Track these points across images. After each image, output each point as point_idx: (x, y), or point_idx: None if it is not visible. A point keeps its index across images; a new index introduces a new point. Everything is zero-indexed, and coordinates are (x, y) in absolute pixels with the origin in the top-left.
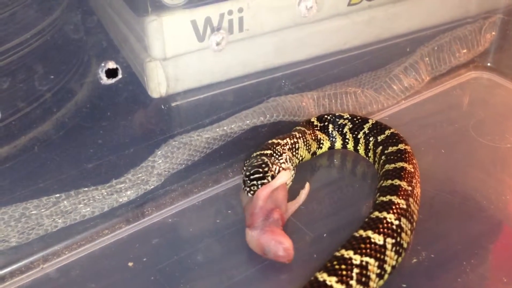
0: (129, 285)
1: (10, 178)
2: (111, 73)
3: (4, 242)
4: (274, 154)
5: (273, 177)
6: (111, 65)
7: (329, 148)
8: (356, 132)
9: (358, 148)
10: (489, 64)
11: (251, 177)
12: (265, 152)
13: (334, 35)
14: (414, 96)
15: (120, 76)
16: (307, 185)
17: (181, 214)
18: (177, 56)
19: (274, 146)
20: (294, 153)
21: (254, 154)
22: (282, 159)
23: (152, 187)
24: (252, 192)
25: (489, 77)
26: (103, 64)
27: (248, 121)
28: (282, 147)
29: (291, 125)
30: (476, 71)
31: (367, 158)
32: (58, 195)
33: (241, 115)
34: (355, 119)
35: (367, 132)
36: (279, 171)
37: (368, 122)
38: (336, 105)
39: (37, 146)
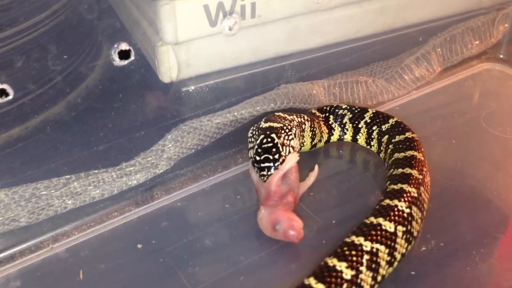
0: (138, 266)
1: (21, 159)
2: (124, 55)
3: (14, 222)
4: (284, 128)
5: (283, 161)
6: (124, 46)
7: (326, 142)
8: (356, 122)
9: (358, 137)
10: (501, 56)
11: (262, 165)
12: (275, 125)
13: (346, 23)
14: (425, 87)
15: (132, 57)
16: (316, 167)
17: (190, 198)
18: (189, 41)
19: (283, 119)
20: (300, 133)
21: (263, 126)
22: (291, 134)
23: (162, 171)
24: (263, 180)
25: (501, 69)
26: (116, 46)
27: (258, 107)
28: (290, 122)
29: (302, 112)
30: (488, 62)
31: (369, 147)
32: (68, 176)
33: (251, 101)
34: (353, 109)
35: (368, 121)
36: (289, 152)
37: (368, 112)
38: (346, 93)
39: (49, 127)
